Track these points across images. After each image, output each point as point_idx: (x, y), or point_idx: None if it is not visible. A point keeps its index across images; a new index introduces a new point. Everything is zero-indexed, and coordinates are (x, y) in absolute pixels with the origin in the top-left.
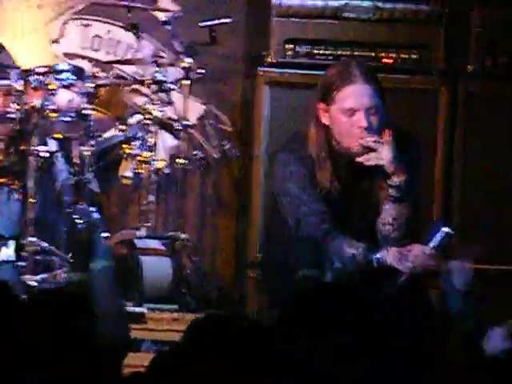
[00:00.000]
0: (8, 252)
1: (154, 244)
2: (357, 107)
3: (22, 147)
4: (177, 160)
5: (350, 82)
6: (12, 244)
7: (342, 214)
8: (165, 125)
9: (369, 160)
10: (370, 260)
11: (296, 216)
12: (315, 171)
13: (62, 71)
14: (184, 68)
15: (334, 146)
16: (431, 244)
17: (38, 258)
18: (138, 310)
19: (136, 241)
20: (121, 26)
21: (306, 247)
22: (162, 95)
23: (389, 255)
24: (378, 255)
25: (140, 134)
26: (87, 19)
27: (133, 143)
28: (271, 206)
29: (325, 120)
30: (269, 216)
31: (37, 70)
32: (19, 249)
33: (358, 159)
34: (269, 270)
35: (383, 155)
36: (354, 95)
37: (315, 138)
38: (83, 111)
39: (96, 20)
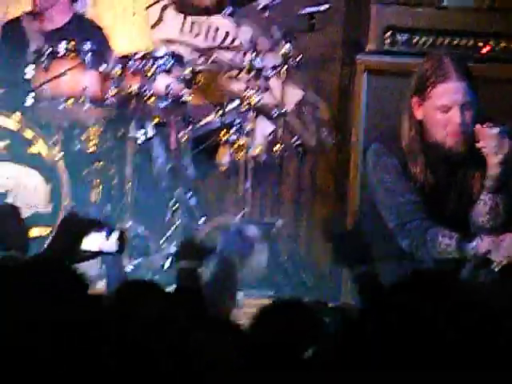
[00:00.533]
0: (111, 243)
1: (252, 230)
2: (451, 104)
3: (119, 132)
4: (274, 147)
5: (444, 78)
6: (115, 234)
7: (436, 206)
8: (262, 111)
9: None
10: (464, 249)
11: (390, 206)
12: (408, 164)
13: (160, 57)
14: (282, 54)
15: (427, 139)
16: None
17: (134, 243)
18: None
19: (231, 227)
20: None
21: (400, 237)
22: (260, 82)
23: (482, 244)
24: (472, 244)
25: (237, 121)
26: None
27: (230, 130)
28: (366, 196)
29: (418, 114)
30: (364, 205)
31: (135, 55)
32: (122, 239)
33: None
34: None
35: (492, 147)
36: (449, 92)
37: (408, 131)
38: (181, 97)
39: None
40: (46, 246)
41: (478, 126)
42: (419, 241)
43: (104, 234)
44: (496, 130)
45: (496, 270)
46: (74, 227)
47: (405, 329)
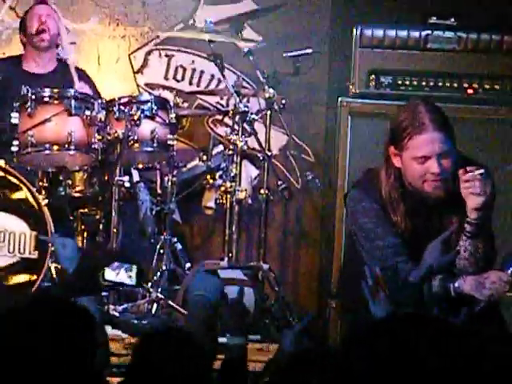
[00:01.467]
0: (130, 276)
1: (237, 274)
2: (429, 154)
3: (105, 177)
4: (259, 191)
5: (420, 130)
6: (134, 269)
7: (416, 249)
8: (247, 155)
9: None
10: (447, 289)
11: (371, 250)
12: (388, 210)
13: (145, 101)
14: (267, 98)
15: (406, 187)
16: (508, 271)
17: (121, 288)
18: (220, 340)
19: (219, 271)
20: (204, 57)
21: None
22: (245, 126)
23: (466, 283)
24: (455, 284)
25: (223, 165)
26: (170, 49)
27: (215, 174)
28: (348, 241)
29: (396, 163)
30: (347, 249)
31: (120, 100)
32: (140, 275)
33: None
34: (345, 303)
35: (477, 188)
36: (426, 144)
37: (387, 179)
38: (166, 142)
39: (179, 50)
40: (72, 273)
41: (461, 171)
42: (400, 280)
43: (124, 267)
44: (481, 171)
45: (479, 307)
46: (98, 259)
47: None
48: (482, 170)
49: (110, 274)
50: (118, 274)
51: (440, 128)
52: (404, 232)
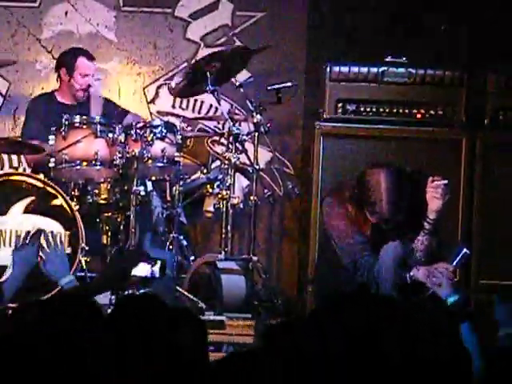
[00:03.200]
0: (155, 269)
1: (232, 265)
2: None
3: (125, 187)
4: (249, 197)
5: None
6: (158, 263)
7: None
8: (239, 169)
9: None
10: (404, 278)
11: (343, 247)
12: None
13: (156, 126)
14: (255, 123)
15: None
16: (454, 262)
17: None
18: (218, 318)
19: (217, 262)
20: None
21: (353, 271)
22: (237, 145)
23: (419, 272)
24: (410, 273)
25: (220, 177)
26: None
27: (214, 184)
28: (321, 237)
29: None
30: (322, 244)
31: (136, 125)
32: (163, 269)
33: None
34: (320, 287)
35: (440, 194)
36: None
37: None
38: (174, 158)
39: None
40: (103, 272)
41: (430, 179)
42: (369, 273)
43: (150, 263)
44: (445, 182)
45: (430, 293)
46: (127, 258)
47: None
48: (445, 181)
49: (137, 270)
50: (145, 269)
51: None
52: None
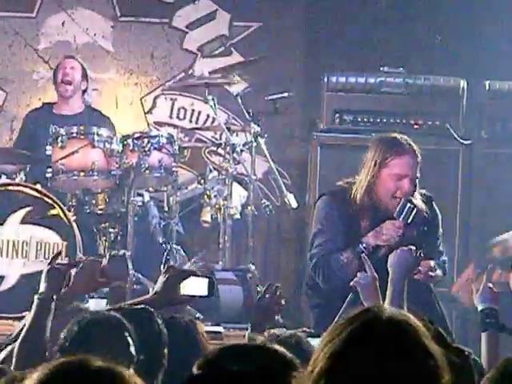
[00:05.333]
0: (203, 288)
1: (229, 275)
2: (405, 174)
3: (122, 197)
4: (246, 207)
5: (402, 153)
6: (206, 281)
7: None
8: (237, 179)
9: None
10: (359, 251)
11: (318, 242)
12: (357, 216)
13: (154, 136)
14: (252, 133)
15: (374, 199)
16: (400, 218)
17: (134, 287)
18: (215, 328)
19: (215, 272)
20: (201, 100)
21: (313, 274)
22: (235, 155)
23: (369, 238)
24: (362, 244)
25: (217, 187)
26: (174, 94)
27: (211, 194)
28: None
29: (371, 178)
30: None
31: (134, 135)
32: (212, 286)
33: None
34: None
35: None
36: (406, 164)
37: (362, 192)
38: (171, 168)
39: (181, 95)
40: (154, 291)
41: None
42: (326, 269)
43: (197, 280)
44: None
45: (383, 251)
46: (176, 277)
47: None
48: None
49: (185, 288)
50: (193, 287)
51: (416, 157)
52: (362, 235)
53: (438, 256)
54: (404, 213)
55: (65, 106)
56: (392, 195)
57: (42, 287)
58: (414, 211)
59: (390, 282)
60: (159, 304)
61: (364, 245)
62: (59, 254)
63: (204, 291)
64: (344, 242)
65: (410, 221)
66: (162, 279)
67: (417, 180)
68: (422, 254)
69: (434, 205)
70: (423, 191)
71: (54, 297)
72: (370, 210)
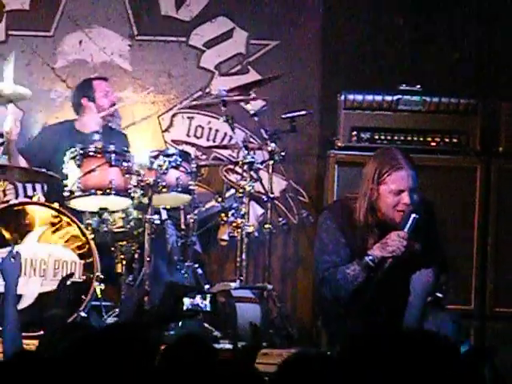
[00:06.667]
0: (205, 302)
1: (246, 293)
2: (403, 188)
3: (139, 216)
4: (264, 225)
5: (398, 168)
6: (209, 297)
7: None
8: (254, 197)
9: None
10: (366, 264)
11: (318, 260)
12: (361, 234)
13: (171, 155)
14: (269, 151)
15: (378, 216)
16: (405, 228)
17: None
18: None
19: (232, 291)
20: (218, 118)
21: (322, 288)
22: (252, 173)
23: (374, 250)
24: (368, 257)
25: (234, 205)
26: (191, 112)
27: (228, 212)
28: None
29: (373, 196)
30: None
31: (151, 153)
32: (215, 302)
33: None
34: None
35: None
36: (402, 179)
37: (364, 211)
38: (188, 187)
39: (198, 113)
40: (155, 307)
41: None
42: (333, 282)
43: (200, 296)
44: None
45: (389, 263)
46: (177, 292)
47: None
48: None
49: (188, 304)
50: (195, 303)
51: (413, 168)
52: (366, 249)
53: (440, 265)
54: (408, 224)
55: (86, 124)
56: (394, 209)
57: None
58: (418, 222)
59: (410, 302)
60: (159, 319)
61: (370, 257)
62: (71, 275)
63: (207, 307)
64: (347, 254)
65: (414, 231)
66: (162, 295)
67: (417, 190)
68: (440, 277)
69: (434, 212)
70: (424, 197)
71: None
72: (376, 227)
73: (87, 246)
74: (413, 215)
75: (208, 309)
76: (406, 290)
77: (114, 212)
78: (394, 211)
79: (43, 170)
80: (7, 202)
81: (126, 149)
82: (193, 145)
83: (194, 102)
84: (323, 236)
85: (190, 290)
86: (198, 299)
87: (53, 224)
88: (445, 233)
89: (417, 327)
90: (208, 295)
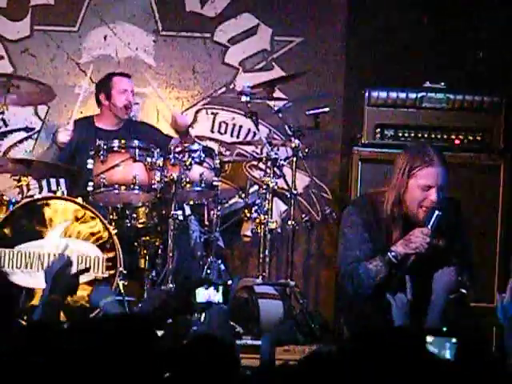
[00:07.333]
0: (218, 295)
1: (269, 289)
2: (432, 184)
3: (163, 211)
4: (287, 222)
5: (429, 164)
6: (221, 288)
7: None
8: (277, 193)
9: None
10: (389, 260)
11: (342, 255)
12: (387, 226)
13: (195, 150)
14: (293, 148)
15: (404, 210)
16: (428, 226)
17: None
18: (255, 342)
19: (255, 287)
20: (242, 114)
21: (344, 283)
22: (275, 169)
23: (398, 247)
24: (391, 253)
25: (258, 201)
26: (215, 108)
27: (252, 208)
28: None
29: (399, 189)
30: None
31: (175, 149)
32: (227, 293)
33: None
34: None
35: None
36: (432, 175)
37: (391, 203)
38: (212, 183)
39: (222, 109)
40: (168, 300)
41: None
42: (355, 278)
43: (213, 289)
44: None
45: (412, 259)
46: (190, 285)
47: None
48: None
49: (200, 296)
50: (208, 295)
51: (444, 166)
52: (389, 242)
53: (466, 264)
54: (432, 220)
55: (108, 121)
56: (419, 204)
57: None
58: (442, 219)
59: (432, 300)
60: (172, 312)
61: (393, 253)
62: (87, 270)
63: (219, 298)
64: (370, 249)
65: (437, 228)
66: (176, 289)
67: (445, 188)
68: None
69: (461, 210)
70: (451, 196)
71: None
72: (401, 220)
73: (110, 241)
74: (436, 212)
75: (221, 300)
76: (428, 287)
77: (137, 207)
78: (419, 207)
79: (74, 167)
80: (31, 196)
81: (156, 137)
82: (216, 141)
83: (219, 97)
84: (347, 231)
85: (203, 283)
86: (210, 291)
87: (76, 219)
88: (469, 230)
89: (438, 325)
90: (220, 287)
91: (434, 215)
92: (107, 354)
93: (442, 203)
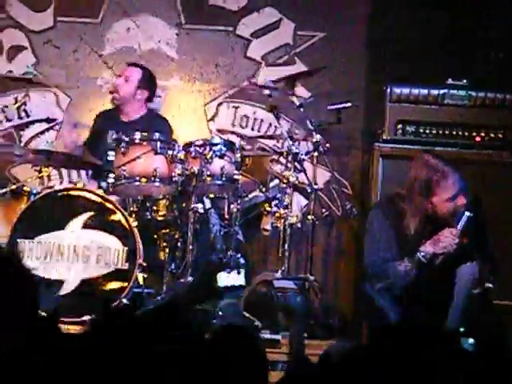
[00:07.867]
0: (240, 278)
1: (288, 284)
2: (456, 192)
3: (183, 204)
4: (307, 217)
5: (443, 176)
6: (243, 272)
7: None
8: (298, 188)
9: None
10: (418, 260)
11: (368, 255)
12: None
13: (216, 144)
14: (314, 142)
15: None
16: (458, 226)
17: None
18: (274, 336)
19: (274, 281)
20: (264, 108)
21: (373, 280)
22: (296, 164)
23: (427, 246)
24: (421, 253)
25: (278, 195)
26: (237, 102)
27: (272, 203)
28: None
29: (422, 207)
30: None
31: (196, 142)
32: (249, 276)
33: None
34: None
35: None
36: (452, 185)
37: (418, 221)
38: (233, 176)
39: (244, 103)
40: (192, 286)
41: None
42: (384, 279)
43: (235, 272)
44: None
45: (441, 259)
46: (213, 270)
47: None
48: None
49: (222, 280)
50: (230, 278)
51: (455, 169)
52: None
53: (489, 259)
54: (462, 221)
55: (124, 113)
56: (454, 213)
57: None
58: (471, 219)
59: (455, 296)
60: (195, 297)
61: (423, 253)
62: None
63: (241, 281)
64: (397, 249)
65: (467, 229)
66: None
67: (467, 188)
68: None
69: (482, 207)
70: (472, 193)
71: None
72: (428, 223)
73: (130, 234)
74: (467, 213)
75: (242, 283)
76: (451, 283)
77: (157, 200)
78: (452, 216)
79: (100, 162)
80: (52, 187)
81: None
82: (238, 134)
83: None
84: (374, 232)
85: (224, 267)
86: (232, 275)
87: (97, 210)
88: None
89: (458, 323)
90: (242, 269)
91: (464, 216)
92: (107, 354)
93: (470, 204)
